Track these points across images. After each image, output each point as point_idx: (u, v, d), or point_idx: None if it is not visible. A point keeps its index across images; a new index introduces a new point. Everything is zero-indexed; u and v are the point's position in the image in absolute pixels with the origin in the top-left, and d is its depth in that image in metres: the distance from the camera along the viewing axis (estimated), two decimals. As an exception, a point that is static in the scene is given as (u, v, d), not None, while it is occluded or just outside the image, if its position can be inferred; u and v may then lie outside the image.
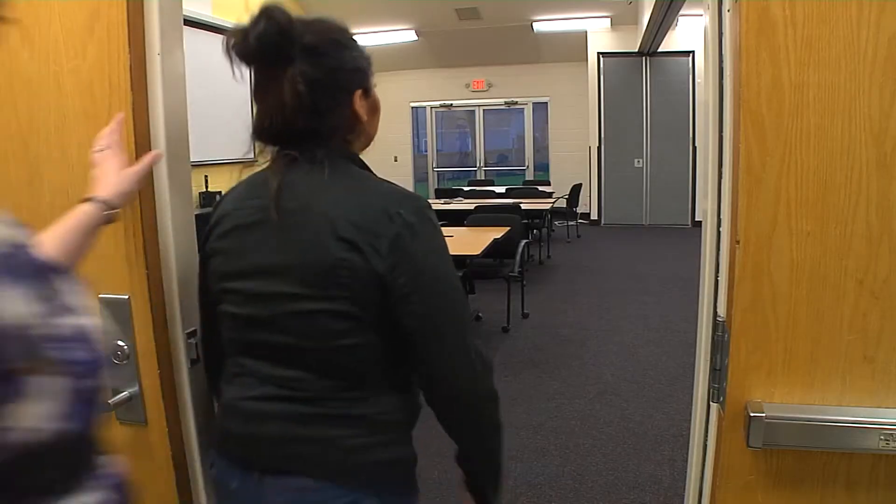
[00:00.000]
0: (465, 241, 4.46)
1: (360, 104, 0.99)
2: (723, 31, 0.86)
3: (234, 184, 1.01)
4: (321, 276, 0.86)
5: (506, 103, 11.41)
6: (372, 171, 0.99)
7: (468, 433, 1.01)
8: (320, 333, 0.88)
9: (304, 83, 0.90)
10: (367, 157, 1.03)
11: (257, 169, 0.96)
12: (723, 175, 0.88)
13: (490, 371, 0.95)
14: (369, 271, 0.86)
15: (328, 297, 0.86)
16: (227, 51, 0.91)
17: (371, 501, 0.93)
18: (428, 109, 11.86)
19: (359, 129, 1.00)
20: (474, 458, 1.04)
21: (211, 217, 0.97)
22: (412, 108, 11.85)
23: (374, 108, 1.04)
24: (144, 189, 0.96)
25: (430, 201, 0.96)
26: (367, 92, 1.02)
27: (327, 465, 0.92)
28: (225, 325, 0.96)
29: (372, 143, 1.05)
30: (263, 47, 0.89)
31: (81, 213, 0.89)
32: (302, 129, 0.91)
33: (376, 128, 1.06)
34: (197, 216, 1.09)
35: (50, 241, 0.84)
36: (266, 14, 0.87)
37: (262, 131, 0.94)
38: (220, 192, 7.44)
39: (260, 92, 0.95)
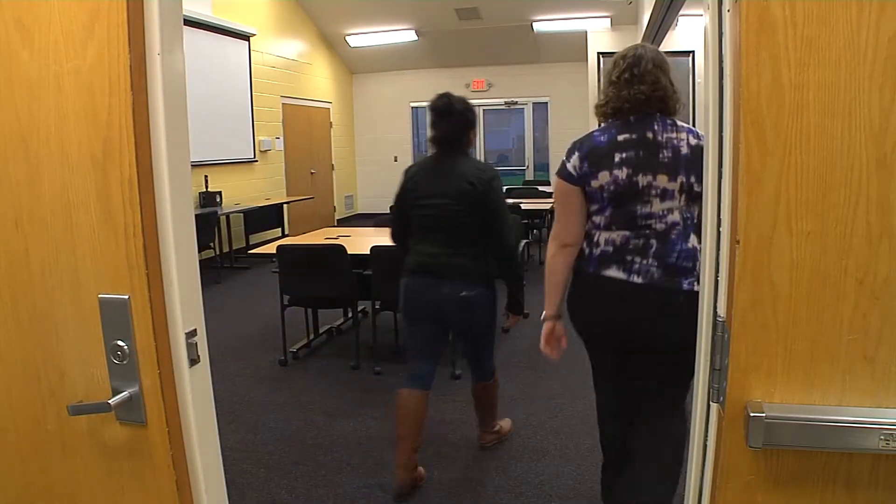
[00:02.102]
0: (465, 241, 4.47)
1: (472, 135, 2.64)
2: (723, 31, 0.86)
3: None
4: (460, 195, 2.48)
5: (506, 103, 11.41)
6: (473, 157, 2.71)
7: (503, 263, 2.58)
8: (465, 218, 2.51)
9: (461, 125, 2.58)
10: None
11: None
12: (723, 175, 0.88)
13: (515, 241, 2.71)
14: (478, 194, 2.47)
15: (462, 209, 2.48)
16: (429, 105, 2.62)
17: (482, 290, 2.54)
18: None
19: (469, 143, 2.63)
20: (508, 278, 2.63)
21: (406, 174, 2.65)
22: (412, 108, 11.85)
23: (474, 136, 2.67)
24: (144, 189, 0.96)
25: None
26: (473, 130, 2.64)
27: (464, 274, 2.50)
28: (414, 217, 2.61)
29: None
30: (442, 108, 2.57)
31: None
32: (454, 140, 2.58)
33: (473, 143, 2.68)
34: (197, 216, 1.09)
35: None
36: (445, 95, 2.60)
37: (436, 140, 2.59)
38: (220, 192, 7.48)
39: (437, 125, 2.59)
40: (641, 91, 1.86)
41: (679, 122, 1.90)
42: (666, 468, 1.97)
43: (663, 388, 1.97)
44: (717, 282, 0.91)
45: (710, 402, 0.93)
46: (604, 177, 1.87)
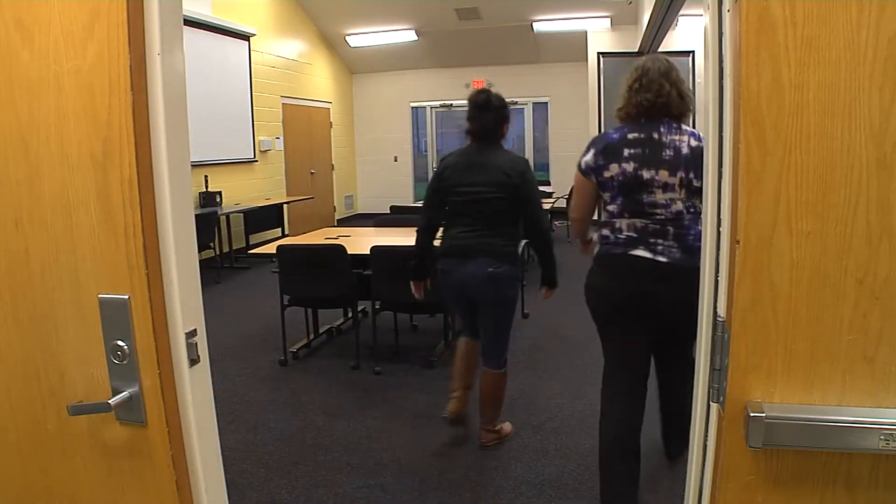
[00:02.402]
0: (465, 241, 4.45)
1: (505, 128, 2.89)
2: (723, 31, 0.86)
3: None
4: (499, 185, 2.74)
5: (506, 103, 11.39)
6: (506, 149, 2.95)
7: (540, 245, 2.90)
8: (500, 203, 2.77)
9: (497, 119, 2.82)
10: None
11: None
12: (723, 175, 0.88)
13: (548, 221, 3.25)
14: (512, 185, 2.74)
15: (496, 195, 2.75)
16: (469, 100, 2.86)
17: (507, 267, 2.77)
18: (428, 109, 11.85)
19: (503, 136, 2.88)
20: (543, 258, 2.92)
21: (442, 164, 2.89)
22: (412, 108, 11.84)
23: (507, 129, 2.90)
24: (144, 189, 0.96)
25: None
26: (507, 124, 2.88)
27: (491, 253, 2.75)
28: (449, 203, 2.86)
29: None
30: (482, 103, 2.81)
31: None
32: (490, 133, 2.84)
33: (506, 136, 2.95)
34: (197, 216, 1.09)
35: None
36: (484, 91, 2.85)
37: (474, 133, 2.83)
38: (220, 192, 7.48)
39: (476, 119, 2.81)
40: (647, 98, 2.19)
41: (683, 126, 2.22)
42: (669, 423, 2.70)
43: (680, 341, 2.39)
44: (717, 282, 0.91)
45: (710, 402, 0.93)
46: (614, 168, 2.20)
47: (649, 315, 2.21)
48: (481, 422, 3.03)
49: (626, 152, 2.18)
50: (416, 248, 3.02)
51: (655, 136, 2.17)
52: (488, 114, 2.81)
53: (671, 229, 2.14)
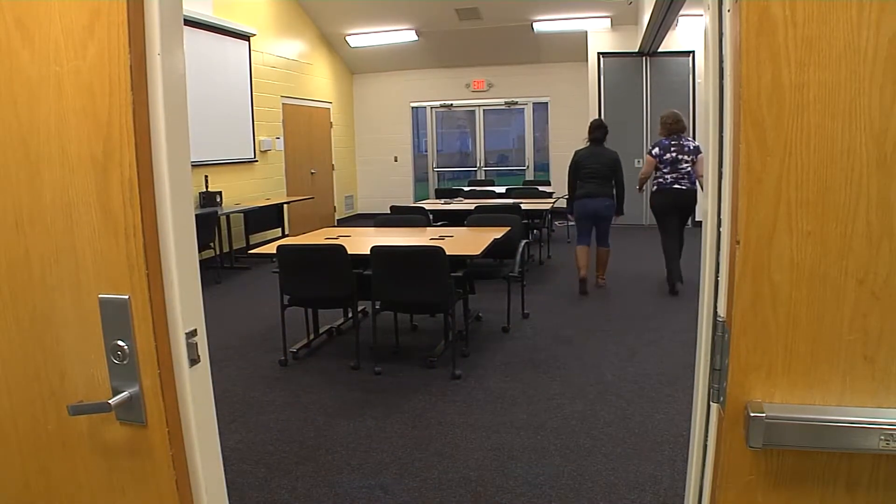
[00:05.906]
0: (465, 242, 4.46)
1: (606, 136, 6.21)
2: (723, 31, 0.86)
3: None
4: (607, 165, 5.94)
5: (506, 103, 11.41)
6: (605, 146, 6.32)
7: (620, 193, 6.02)
8: (608, 173, 5.97)
9: (605, 132, 6.04)
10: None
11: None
12: (723, 175, 0.88)
13: (623, 182, 6.14)
14: (613, 165, 5.95)
15: (607, 169, 5.94)
16: (591, 123, 6.24)
17: (612, 202, 5.98)
18: (428, 109, 11.86)
19: (605, 139, 6.15)
20: (619, 197, 6.05)
21: (577, 155, 6.00)
22: (412, 108, 11.85)
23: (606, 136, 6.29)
24: (144, 189, 0.96)
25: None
26: (608, 134, 6.16)
27: (606, 194, 5.94)
28: (581, 173, 5.98)
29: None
30: (600, 123, 6.11)
31: None
32: (602, 139, 6.01)
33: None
34: (197, 216, 1.09)
35: None
36: (598, 118, 6.82)
37: (594, 139, 6.00)
38: (220, 192, 7.49)
39: (595, 132, 6.00)
40: (674, 126, 5.60)
41: (689, 137, 5.70)
42: (680, 248, 5.77)
43: (683, 223, 5.76)
44: (717, 282, 0.91)
45: (711, 402, 0.93)
46: (667, 155, 5.57)
47: (677, 211, 5.61)
48: (598, 274, 6.03)
49: (671, 148, 5.51)
50: (569, 194, 5.98)
51: (681, 142, 5.51)
52: (601, 129, 5.82)
53: (687, 176, 5.48)
